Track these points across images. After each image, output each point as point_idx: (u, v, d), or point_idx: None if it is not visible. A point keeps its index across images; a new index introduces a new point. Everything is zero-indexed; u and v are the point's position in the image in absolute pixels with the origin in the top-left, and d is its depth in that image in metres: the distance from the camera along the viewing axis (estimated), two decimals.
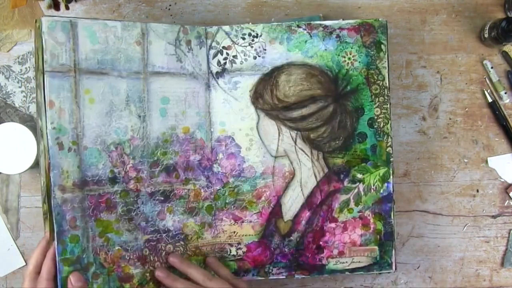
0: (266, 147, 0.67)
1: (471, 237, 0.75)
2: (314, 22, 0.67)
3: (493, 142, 0.75)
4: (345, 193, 0.68)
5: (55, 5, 0.71)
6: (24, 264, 0.72)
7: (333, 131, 0.67)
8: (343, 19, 0.69)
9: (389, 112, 0.67)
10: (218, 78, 0.67)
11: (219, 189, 0.67)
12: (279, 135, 0.67)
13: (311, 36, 0.67)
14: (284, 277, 0.68)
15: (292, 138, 0.67)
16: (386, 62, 0.67)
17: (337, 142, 0.67)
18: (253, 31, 0.67)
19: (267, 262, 0.67)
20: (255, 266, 0.67)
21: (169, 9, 0.74)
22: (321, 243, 0.68)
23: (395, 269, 0.68)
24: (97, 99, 0.60)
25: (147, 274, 0.62)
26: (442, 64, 0.75)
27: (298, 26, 0.67)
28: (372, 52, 0.67)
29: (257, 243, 0.67)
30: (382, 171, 0.67)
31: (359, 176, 0.67)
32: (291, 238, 0.67)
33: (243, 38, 0.67)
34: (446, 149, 0.75)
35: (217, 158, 0.67)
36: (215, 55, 0.67)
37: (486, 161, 0.75)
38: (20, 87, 0.72)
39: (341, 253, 0.68)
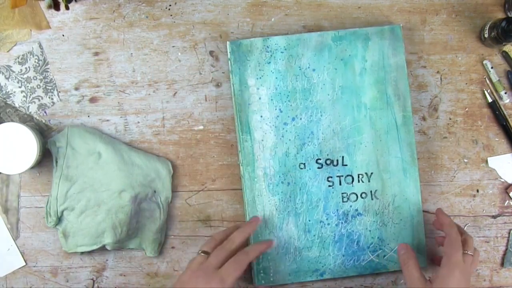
0: None
1: None
2: None
3: (493, 142, 0.75)
4: None
5: (55, 5, 0.71)
6: (24, 264, 0.72)
7: None
8: None
9: None
10: None
11: None
12: None
13: None
14: None
15: None
16: None
17: None
18: None
19: None
20: None
21: (169, 9, 0.74)
22: None
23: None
24: None
25: None
26: (442, 64, 0.75)
27: None
28: None
29: None
30: None
31: None
32: None
33: None
34: (446, 149, 0.75)
35: None
36: None
37: (486, 161, 0.75)
38: (20, 87, 0.72)
39: None
